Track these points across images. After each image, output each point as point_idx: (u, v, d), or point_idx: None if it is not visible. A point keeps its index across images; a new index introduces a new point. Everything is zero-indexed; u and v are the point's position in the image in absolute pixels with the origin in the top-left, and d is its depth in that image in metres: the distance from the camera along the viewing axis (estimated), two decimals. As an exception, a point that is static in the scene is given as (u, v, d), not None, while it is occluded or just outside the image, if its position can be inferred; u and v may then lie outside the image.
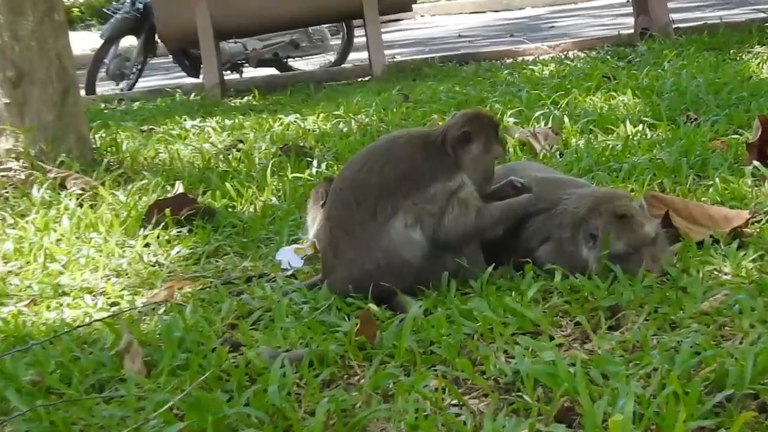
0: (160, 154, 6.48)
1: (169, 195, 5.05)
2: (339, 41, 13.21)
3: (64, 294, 3.86)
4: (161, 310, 3.50)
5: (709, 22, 10.20)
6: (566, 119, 5.79)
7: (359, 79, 10.61)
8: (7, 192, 5.37)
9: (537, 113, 6.10)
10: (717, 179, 4.20)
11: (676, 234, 3.51)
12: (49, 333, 3.31)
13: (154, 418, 2.50)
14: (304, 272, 3.82)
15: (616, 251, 3.21)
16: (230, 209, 4.84)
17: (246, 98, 9.70)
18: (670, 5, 9.97)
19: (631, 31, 10.19)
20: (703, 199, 4.03)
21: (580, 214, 3.33)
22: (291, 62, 13.03)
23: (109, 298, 3.76)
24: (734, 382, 2.34)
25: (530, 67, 9.11)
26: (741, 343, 2.65)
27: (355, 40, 12.97)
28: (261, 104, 9.13)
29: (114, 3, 13.97)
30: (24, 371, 2.92)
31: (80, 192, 5.24)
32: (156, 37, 11.68)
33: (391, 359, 2.81)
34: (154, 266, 4.12)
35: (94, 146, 6.29)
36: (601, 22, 14.54)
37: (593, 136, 5.52)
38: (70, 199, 5.10)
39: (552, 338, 2.83)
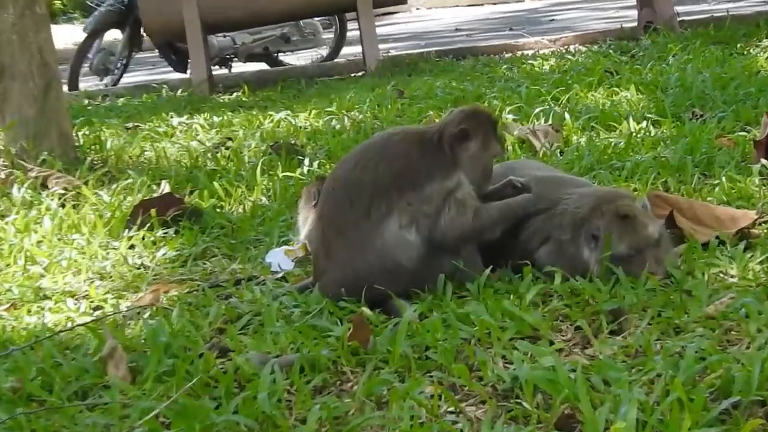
0: (146, 153, 6.48)
1: (154, 195, 5.05)
2: (331, 35, 13.20)
3: (46, 298, 3.86)
4: (146, 315, 3.50)
5: (716, 14, 10.21)
6: (567, 116, 5.80)
7: (352, 75, 10.61)
8: (-14, 192, 5.36)
9: (537, 110, 6.10)
10: (723, 178, 4.21)
11: (680, 235, 3.52)
12: (30, 338, 3.31)
13: (139, 427, 2.50)
14: (295, 275, 3.82)
15: (619, 253, 3.21)
16: (218, 209, 4.84)
17: (235, 94, 9.69)
18: (675, -3, 10.00)
19: (635, 24, 10.20)
20: (708, 198, 4.04)
21: (581, 214, 3.33)
22: (282, 57, 13.02)
23: (92, 301, 3.76)
24: (741, 389, 2.35)
25: (530, 61, 9.12)
26: (748, 348, 2.65)
27: (348, 33, 12.96)
28: (251, 100, 9.12)
29: (97, -5, 13.96)
30: (4, 378, 2.92)
31: (62, 192, 5.23)
32: (141, 30, 11.65)
33: (385, 365, 2.81)
34: (139, 269, 4.12)
35: (77, 144, 6.29)
36: (604, 15, 14.56)
37: (595, 133, 5.53)
38: (51, 199, 5.09)
39: (552, 343, 2.83)
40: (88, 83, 12.20)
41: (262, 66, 12.68)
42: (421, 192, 3.31)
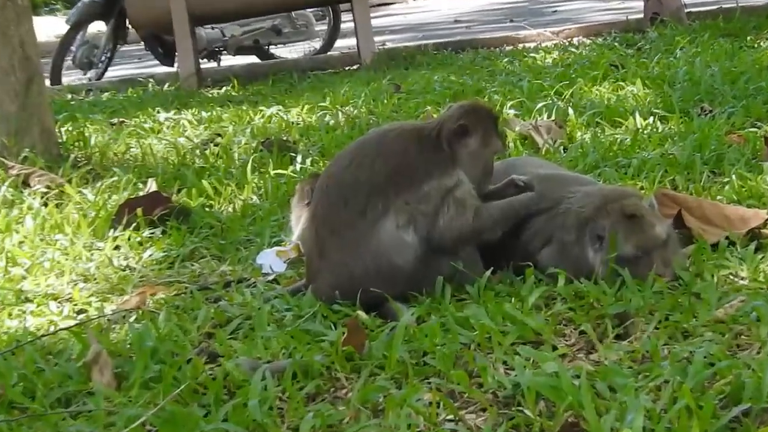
0: (132, 149, 6.48)
1: (141, 193, 5.04)
2: (325, 27, 13.20)
3: (27, 300, 3.85)
4: (132, 318, 3.49)
5: (725, 6, 10.23)
6: (571, 111, 5.80)
7: (347, 68, 10.62)
8: (-35, 190, 5.36)
9: (539, 105, 6.10)
10: (733, 176, 4.21)
11: (688, 235, 3.52)
12: (11, 343, 3.30)
13: (124, 435, 2.51)
14: (287, 277, 3.82)
15: (625, 254, 3.21)
16: (207, 209, 4.83)
17: (224, 88, 9.69)
18: (683, -12, 10.01)
19: (641, 16, 10.21)
20: (718, 197, 4.04)
21: (585, 213, 3.33)
22: (273, 50, 13.02)
23: (75, 305, 3.75)
24: (751, 395, 2.35)
25: (532, 54, 9.13)
26: (758, 353, 2.66)
27: (343, 25, 12.97)
28: (240, 95, 9.12)
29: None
30: (-16, 384, 2.92)
31: (45, 190, 5.23)
32: (127, 22, 11.66)
33: (381, 371, 2.81)
34: (124, 270, 4.12)
35: (59, 140, 6.28)
36: (609, 6, 14.57)
37: (600, 129, 5.53)
38: (33, 198, 5.09)
39: (555, 348, 2.84)
40: (71, 77, 12.20)
41: (253, 59, 12.68)
42: (419, 190, 3.31)
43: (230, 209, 4.86)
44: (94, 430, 2.58)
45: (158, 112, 7.93)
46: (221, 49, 12.51)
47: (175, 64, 11.02)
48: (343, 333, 2.94)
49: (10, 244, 4.46)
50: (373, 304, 3.26)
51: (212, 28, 12.29)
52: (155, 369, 2.89)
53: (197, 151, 6.20)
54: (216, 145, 6.31)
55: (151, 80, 10.20)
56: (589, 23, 11.44)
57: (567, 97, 6.42)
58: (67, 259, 4.25)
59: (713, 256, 3.38)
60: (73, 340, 3.22)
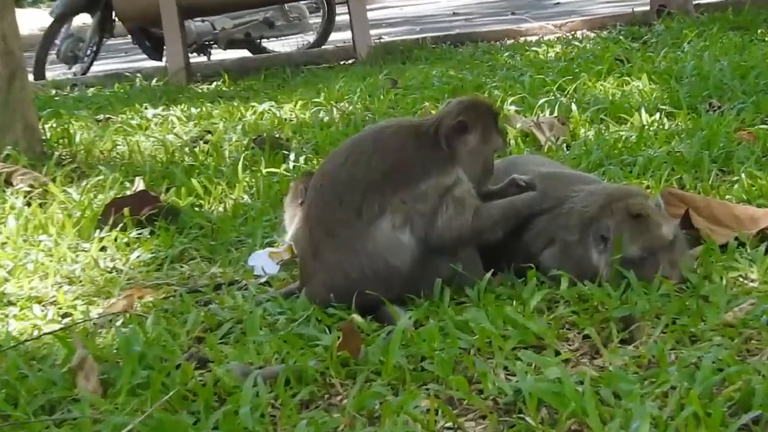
0: (118, 147, 6.47)
1: (128, 192, 5.05)
2: (319, 19, 13.21)
3: (10, 304, 3.85)
4: (119, 322, 3.49)
5: (734, -3, 10.24)
6: (574, 107, 5.80)
7: (342, 63, 10.62)
8: (-55, 189, 5.36)
9: (541, 100, 6.11)
10: (743, 174, 4.22)
11: (696, 236, 3.52)
12: (-7, 348, 3.31)
13: (111, 444, 2.51)
14: (280, 279, 3.82)
15: (630, 255, 3.22)
16: (197, 208, 4.83)
17: (215, 84, 9.70)
18: (691, -21, 10.02)
19: (647, 8, 10.22)
20: (727, 196, 4.04)
21: (589, 213, 3.33)
22: (265, 43, 13.03)
23: (60, 308, 3.75)
24: (761, 402, 2.35)
25: (534, 48, 9.13)
26: (769, 357, 2.66)
27: (337, 18, 12.97)
28: (231, 90, 9.12)
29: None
30: (-35, 391, 2.92)
31: (28, 189, 5.22)
32: (113, 14, 11.66)
33: (378, 377, 2.81)
34: (111, 272, 4.12)
35: (43, 138, 6.28)
36: (613, -2, 14.59)
37: (604, 126, 5.54)
38: (16, 197, 5.08)
39: (558, 353, 2.84)
40: (55, 72, 12.20)
41: (244, 53, 12.68)
42: (416, 189, 3.31)
43: (221, 209, 4.86)
44: (80, 439, 2.59)
45: (146, 108, 7.93)
46: (211, 42, 12.52)
47: (164, 59, 11.02)
48: (338, 337, 2.94)
49: (-8, 246, 4.47)
50: (369, 308, 3.26)
51: (202, 21, 12.30)
52: (143, 375, 2.89)
53: (186, 149, 6.20)
54: (206, 142, 6.31)
55: (138, 75, 10.19)
56: (594, 16, 11.44)
57: (570, 92, 6.42)
58: (51, 261, 4.25)
59: (722, 258, 3.38)
60: (57, 345, 3.22)
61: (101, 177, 5.42)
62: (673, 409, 2.36)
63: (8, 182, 5.38)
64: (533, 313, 3.07)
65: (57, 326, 3.49)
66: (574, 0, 15.56)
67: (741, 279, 3.24)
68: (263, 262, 3.96)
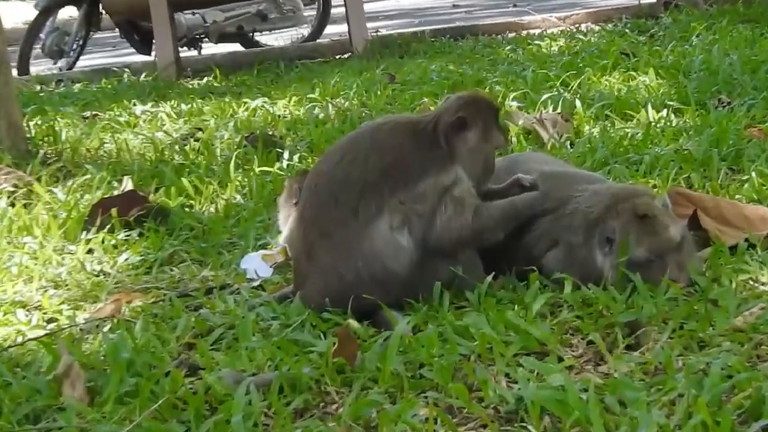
0: (106, 145, 6.47)
1: (115, 192, 5.05)
2: (313, 12, 13.21)
3: (-7, 309, 3.86)
4: (107, 328, 3.49)
5: (744, -11, 10.24)
6: (578, 103, 5.81)
7: (337, 57, 10.63)
8: (-75, 189, 5.36)
9: (544, 96, 6.11)
10: (753, 173, 4.22)
11: (705, 237, 3.52)
12: (-24, 354, 3.31)
13: (98, 454, 2.51)
14: (274, 282, 3.82)
15: (636, 257, 3.22)
16: (187, 209, 4.83)
17: (205, 79, 9.70)
18: (699, -30, 10.02)
19: (654, 0, 10.22)
20: (736, 196, 4.04)
21: (594, 214, 3.33)
22: (258, 37, 13.03)
23: (45, 313, 3.75)
24: (772, 410, 2.36)
25: (536, 42, 9.14)
26: (780, 364, 2.67)
27: (333, 10, 12.97)
28: (223, 86, 9.13)
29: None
30: (-54, 399, 2.92)
31: (12, 189, 5.22)
32: (100, 7, 11.66)
33: (375, 384, 2.81)
34: (98, 276, 4.12)
35: (27, 135, 6.28)
36: (619, -10, 14.59)
37: (609, 122, 5.54)
38: (-1, 198, 5.09)
39: (561, 359, 2.84)
40: (40, 67, 12.19)
41: (236, 47, 12.68)
42: (414, 189, 3.31)
43: (212, 209, 4.86)
44: (65, 449, 2.59)
45: (134, 104, 7.93)
46: (202, 36, 12.51)
47: (153, 53, 11.02)
48: (334, 343, 2.94)
49: (-25, 248, 4.47)
50: (366, 312, 3.26)
51: (192, 14, 12.29)
52: (131, 382, 2.89)
53: (176, 147, 6.20)
54: (197, 140, 6.32)
55: (126, 70, 10.19)
56: (598, 8, 11.46)
57: (574, 88, 6.43)
58: (36, 264, 4.25)
59: (731, 260, 3.38)
60: (42, 352, 3.22)
61: (88, 176, 5.42)
62: (681, 417, 2.36)
63: (-9, 182, 5.38)
64: (536, 317, 3.07)
65: (42, 332, 3.49)
66: (579, -9, 15.58)
67: (751, 282, 3.24)
68: (256, 264, 3.96)
